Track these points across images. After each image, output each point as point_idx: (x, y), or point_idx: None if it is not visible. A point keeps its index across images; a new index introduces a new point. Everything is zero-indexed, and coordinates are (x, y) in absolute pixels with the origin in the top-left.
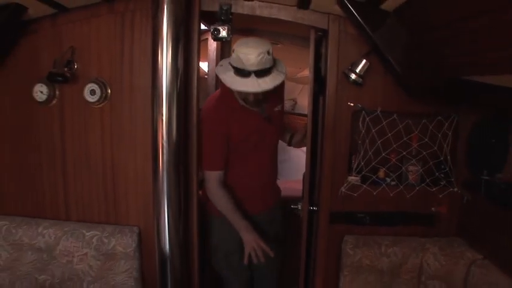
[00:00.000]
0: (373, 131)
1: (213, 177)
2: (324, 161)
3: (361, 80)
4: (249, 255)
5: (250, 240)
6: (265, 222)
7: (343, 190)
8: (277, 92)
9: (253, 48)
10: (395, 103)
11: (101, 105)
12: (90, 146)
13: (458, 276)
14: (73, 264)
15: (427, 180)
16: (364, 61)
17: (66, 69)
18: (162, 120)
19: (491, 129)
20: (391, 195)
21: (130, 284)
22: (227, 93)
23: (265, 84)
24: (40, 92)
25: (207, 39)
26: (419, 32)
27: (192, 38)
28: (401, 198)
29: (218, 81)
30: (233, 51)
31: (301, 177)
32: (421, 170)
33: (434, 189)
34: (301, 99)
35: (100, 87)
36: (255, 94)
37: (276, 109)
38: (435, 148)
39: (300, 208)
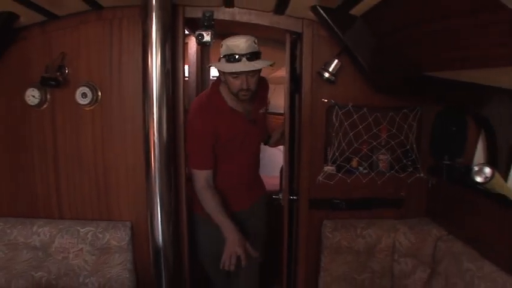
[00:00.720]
0: (346, 124)
1: (201, 177)
2: (301, 153)
3: (333, 78)
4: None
5: (234, 242)
6: (248, 218)
7: (320, 179)
8: (262, 95)
9: (240, 37)
10: (365, 98)
11: (92, 108)
12: (82, 146)
13: (426, 252)
14: (69, 260)
15: (396, 167)
16: (336, 61)
17: (58, 73)
18: (153, 120)
19: (451, 120)
20: (364, 182)
21: (125, 276)
22: (216, 94)
23: (257, 64)
24: (32, 96)
25: (187, 43)
26: (384, 33)
27: (177, 43)
28: (373, 184)
29: (199, 84)
30: (221, 46)
31: (276, 174)
32: (390, 158)
33: (402, 175)
34: (275, 99)
35: (91, 90)
36: (248, 82)
37: (261, 111)
38: (402, 138)
39: (281, 198)
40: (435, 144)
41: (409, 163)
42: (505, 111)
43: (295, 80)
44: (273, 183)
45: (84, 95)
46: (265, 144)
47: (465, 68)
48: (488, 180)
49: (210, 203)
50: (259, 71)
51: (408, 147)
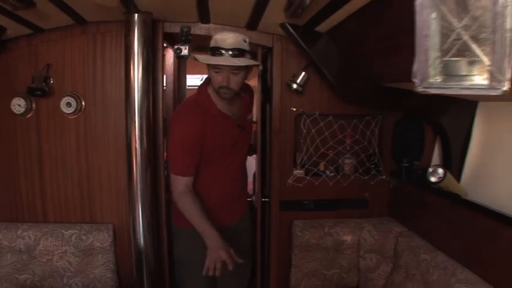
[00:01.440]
0: (313, 131)
1: (181, 183)
2: (272, 158)
3: (301, 88)
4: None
5: (217, 248)
6: (235, 234)
7: (290, 182)
8: (248, 101)
9: (230, 32)
10: (330, 107)
11: (76, 116)
12: (66, 153)
13: (389, 247)
14: (53, 262)
15: (360, 170)
16: (303, 73)
17: (43, 84)
18: (135, 127)
19: (410, 126)
20: (331, 184)
21: (108, 276)
22: (204, 95)
23: (238, 61)
24: (18, 105)
25: (165, 55)
26: (346, 48)
27: (157, 55)
28: (339, 186)
29: (176, 93)
30: (212, 39)
31: (251, 179)
32: (354, 162)
33: (366, 177)
34: None
35: (75, 99)
36: (229, 79)
37: (248, 117)
38: (365, 143)
39: (254, 200)
40: (395, 148)
41: (372, 166)
42: (458, 118)
43: (266, 90)
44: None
45: (68, 104)
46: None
47: (406, 81)
48: (441, 179)
49: (190, 208)
50: (246, 72)
51: (371, 151)
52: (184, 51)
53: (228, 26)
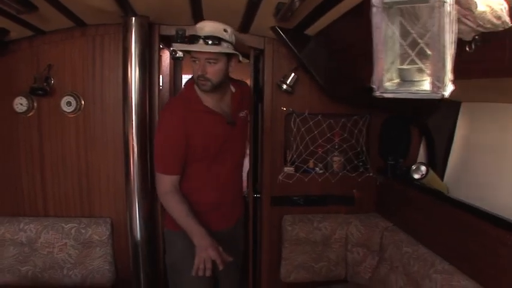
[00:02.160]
0: (303, 129)
1: (166, 181)
2: (264, 155)
3: (290, 89)
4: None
5: (205, 247)
6: (227, 240)
7: (281, 178)
8: (241, 97)
9: (211, 22)
10: (319, 106)
11: (75, 115)
12: (66, 149)
13: (374, 241)
14: (53, 254)
15: (348, 168)
16: (293, 74)
17: (45, 84)
18: (132, 125)
19: (395, 126)
20: (320, 180)
21: (106, 268)
22: (190, 91)
23: (211, 48)
24: (20, 104)
25: (161, 56)
26: (333, 51)
27: (153, 57)
28: (328, 183)
29: (172, 92)
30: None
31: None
32: (343, 160)
33: (354, 174)
34: None
35: (75, 99)
36: (204, 68)
37: (241, 114)
38: (353, 141)
39: (247, 195)
40: (382, 147)
41: (360, 164)
42: (442, 118)
43: (258, 90)
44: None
45: (68, 103)
46: None
47: None
48: (423, 176)
49: (176, 206)
50: (225, 63)
51: (359, 149)
52: (180, 53)
53: None
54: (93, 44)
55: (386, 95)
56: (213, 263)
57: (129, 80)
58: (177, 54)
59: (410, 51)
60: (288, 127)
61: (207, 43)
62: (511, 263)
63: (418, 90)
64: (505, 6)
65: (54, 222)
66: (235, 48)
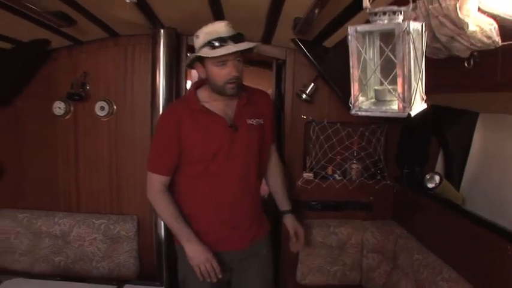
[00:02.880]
0: (322, 137)
1: (155, 180)
2: (284, 161)
3: (309, 98)
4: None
5: (198, 255)
6: (238, 262)
7: (300, 184)
8: (255, 102)
9: (217, 22)
10: (338, 115)
11: (108, 119)
12: (98, 150)
13: (389, 248)
14: (84, 247)
15: (365, 175)
16: (312, 84)
17: (81, 90)
18: None
19: (415, 135)
20: (337, 187)
21: (131, 262)
22: (191, 95)
23: (246, 44)
24: (58, 107)
25: None
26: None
27: (181, 66)
28: (345, 189)
29: None
30: (197, 36)
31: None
32: (360, 167)
33: (371, 182)
34: None
35: (108, 104)
36: (237, 67)
37: (250, 122)
38: (371, 150)
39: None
40: (399, 155)
41: (377, 171)
42: (460, 130)
43: (281, 99)
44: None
45: (102, 108)
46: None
47: None
48: (437, 185)
49: (166, 208)
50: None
51: (376, 157)
52: None
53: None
54: (125, 54)
55: (360, 113)
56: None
57: (157, 87)
58: None
59: (379, 76)
60: (307, 135)
61: (236, 42)
62: None
63: (387, 109)
64: (494, 26)
65: (85, 218)
66: None
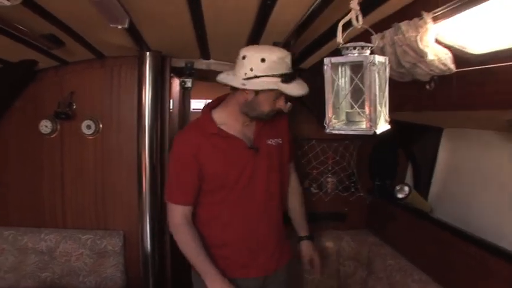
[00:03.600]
0: (299, 153)
1: (176, 212)
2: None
3: None
4: None
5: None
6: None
7: None
8: (275, 124)
9: (275, 49)
10: (313, 132)
11: (94, 137)
12: (84, 168)
13: (364, 255)
14: (71, 262)
15: (340, 188)
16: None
17: (67, 109)
18: (145, 146)
19: (385, 150)
20: (314, 200)
21: (118, 276)
22: (206, 119)
23: (306, 88)
24: (45, 126)
25: (171, 83)
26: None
27: (165, 86)
28: (321, 201)
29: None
30: (262, 59)
31: None
32: (335, 181)
33: (345, 194)
34: None
35: (94, 122)
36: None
37: (270, 142)
38: (345, 164)
39: None
40: (371, 169)
41: (351, 184)
42: (426, 144)
43: None
44: None
45: (88, 126)
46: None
47: None
48: (406, 196)
49: (188, 242)
50: None
51: (350, 171)
52: (188, 83)
53: (226, 62)
54: (111, 74)
55: (334, 132)
56: None
57: (143, 105)
58: (186, 85)
59: (350, 100)
60: None
61: (297, 77)
62: (479, 274)
63: (357, 128)
64: (449, 55)
65: (72, 234)
66: None
